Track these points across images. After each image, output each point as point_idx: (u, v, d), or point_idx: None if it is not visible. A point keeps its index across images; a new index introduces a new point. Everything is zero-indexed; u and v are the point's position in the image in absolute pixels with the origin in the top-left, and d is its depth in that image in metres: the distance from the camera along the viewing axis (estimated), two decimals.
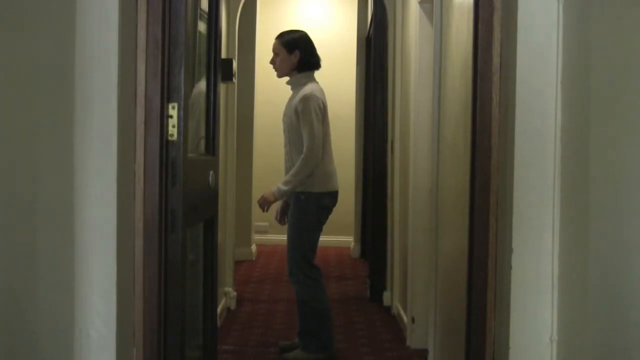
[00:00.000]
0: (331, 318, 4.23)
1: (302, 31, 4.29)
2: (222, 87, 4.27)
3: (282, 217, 4.33)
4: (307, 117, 4.01)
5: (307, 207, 4.08)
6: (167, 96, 2.42)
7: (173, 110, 2.44)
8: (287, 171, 4.14)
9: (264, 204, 4.14)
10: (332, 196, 4.16)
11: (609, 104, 1.95)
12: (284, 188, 4.06)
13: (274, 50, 4.20)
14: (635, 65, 1.81)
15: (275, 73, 4.26)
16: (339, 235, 8.29)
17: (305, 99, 4.04)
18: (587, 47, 2.08)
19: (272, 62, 4.21)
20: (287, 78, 4.23)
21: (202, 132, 3.08)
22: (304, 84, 4.13)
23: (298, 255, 4.10)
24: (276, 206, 4.30)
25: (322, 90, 4.16)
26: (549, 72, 2.24)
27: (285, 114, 4.21)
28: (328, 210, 4.17)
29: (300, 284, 4.13)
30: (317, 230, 4.15)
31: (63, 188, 2.23)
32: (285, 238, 4.18)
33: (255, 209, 4.31)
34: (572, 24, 2.18)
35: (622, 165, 1.88)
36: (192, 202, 2.64)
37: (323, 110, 4.09)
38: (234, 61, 5.13)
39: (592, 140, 2.02)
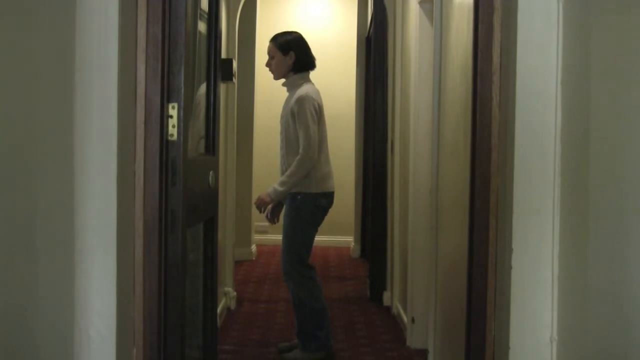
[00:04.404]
0: (329, 317, 4.23)
1: (295, 32, 4.30)
2: (222, 87, 4.27)
3: (272, 216, 4.30)
4: (303, 118, 4.02)
5: (303, 207, 4.08)
6: (167, 96, 2.42)
7: (173, 110, 2.44)
8: (282, 172, 4.14)
9: (261, 205, 4.15)
10: (329, 197, 4.16)
11: (609, 104, 1.95)
12: (280, 189, 4.06)
13: (269, 53, 4.22)
14: (636, 65, 1.81)
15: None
16: (339, 235, 8.29)
17: (301, 101, 4.05)
18: (587, 47, 2.08)
19: (268, 65, 4.24)
20: (283, 80, 4.25)
21: (202, 132, 3.08)
22: (300, 85, 4.14)
23: (294, 255, 4.10)
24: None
25: (317, 92, 4.17)
26: (549, 72, 2.24)
27: (282, 116, 4.22)
28: (324, 210, 4.16)
29: (297, 283, 4.12)
30: (313, 231, 4.15)
31: (63, 188, 2.23)
32: None
33: (255, 208, 4.30)
34: (572, 24, 2.18)
35: (622, 165, 1.87)
36: (192, 202, 2.64)
37: (319, 111, 4.10)
38: (234, 61, 5.13)
39: (592, 140, 2.02)
